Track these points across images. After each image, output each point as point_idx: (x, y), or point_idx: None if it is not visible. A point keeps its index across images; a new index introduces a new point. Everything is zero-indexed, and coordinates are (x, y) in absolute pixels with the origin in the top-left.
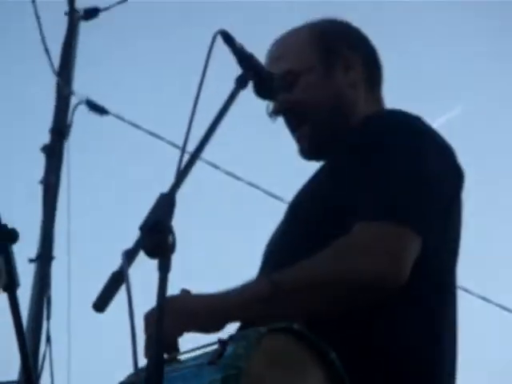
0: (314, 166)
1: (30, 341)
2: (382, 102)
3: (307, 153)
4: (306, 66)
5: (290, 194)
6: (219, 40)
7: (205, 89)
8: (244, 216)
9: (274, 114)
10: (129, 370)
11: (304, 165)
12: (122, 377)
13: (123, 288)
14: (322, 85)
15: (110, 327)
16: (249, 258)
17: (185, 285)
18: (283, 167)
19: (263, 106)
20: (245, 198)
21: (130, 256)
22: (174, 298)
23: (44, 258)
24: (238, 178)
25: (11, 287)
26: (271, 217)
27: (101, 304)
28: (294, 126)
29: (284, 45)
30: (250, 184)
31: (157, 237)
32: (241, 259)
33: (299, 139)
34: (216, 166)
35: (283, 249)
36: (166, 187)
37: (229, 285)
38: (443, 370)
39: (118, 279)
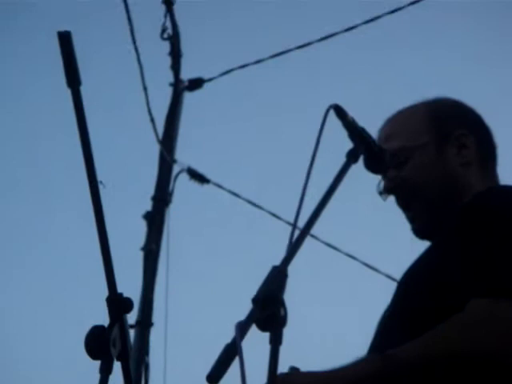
0: (423, 245)
1: None
2: (497, 179)
3: (420, 233)
4: (418, 144)
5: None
6: (331, 114)
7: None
8: (358, 294)
9: (385, 191)
10: None
11: (416, 244)
12: None
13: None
14: (434, 163)
15: None
16: (360, 336)
17: (294, 361)
18: (395, 247)
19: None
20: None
21: (242, 328)
22: (286, 375)
23: (143, 325)
24: (354, 258)
25: (125, 356)
26: (384, 295)
27: (215, 376)
28: (404, 204)
29: (397, 122)
30: (366, 264)
31: (269, 310)
32: (352, 337)
33: (412, 219)
34: (335, 248)
35: (393, 326)
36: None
37: (339, 362)
38: None
39: (232, 351)
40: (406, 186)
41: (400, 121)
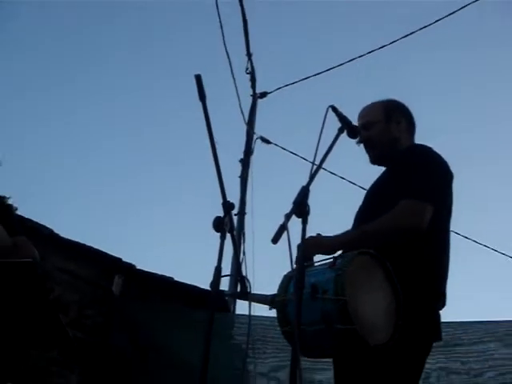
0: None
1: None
2: (414, 139)
3: (373, 162)
4: (376, 120)
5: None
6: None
7: (323, 135)
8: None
9: (359, 142)
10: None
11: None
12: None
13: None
14: (383, 130)
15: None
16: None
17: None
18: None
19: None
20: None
21: (288, 216)
22: (313, 237)
23: (241, 214)
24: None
25: (232, 231)
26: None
27: (275, 239)
28: (367, 149)
29: (367, 109)
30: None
31: (300, 207)
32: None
33: (370, 156)
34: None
35: (364, 214)
36: (299, 181)
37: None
38: (443, 273)
39: (283, 227)
40: (369, 140)
41: (369, 108)
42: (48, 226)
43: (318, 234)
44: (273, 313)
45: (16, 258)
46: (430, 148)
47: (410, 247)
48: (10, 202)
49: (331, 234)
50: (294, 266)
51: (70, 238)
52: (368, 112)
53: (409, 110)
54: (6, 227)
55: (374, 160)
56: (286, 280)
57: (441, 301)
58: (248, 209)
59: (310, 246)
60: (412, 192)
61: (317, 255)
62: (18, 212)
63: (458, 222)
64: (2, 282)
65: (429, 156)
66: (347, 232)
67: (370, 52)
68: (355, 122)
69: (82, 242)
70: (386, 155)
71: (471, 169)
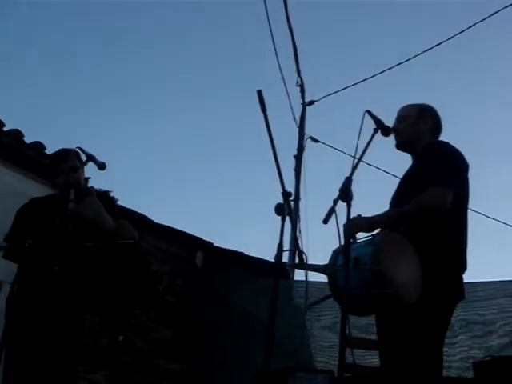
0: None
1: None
2: (437, 139)
3: (397, 147)
4: (409, 115)
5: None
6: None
7: (361, 134)
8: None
9: (392, 131)
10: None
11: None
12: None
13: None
14: (413, 125)
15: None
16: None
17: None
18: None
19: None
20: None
21: (335, 201)
22: (355, 217)
23: (296, 199)
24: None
25: (290, 213)
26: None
27: (325, 221)
28: (395, 137)
29: (406, 107)
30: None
31: (345, 193)
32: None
33: (396, 142)
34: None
35: (397, 198)
36: (343, 173)
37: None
38: (464, 245)
39: (332, 211)
40: (398, 130)
41: (407, 106)
42: (143, 213)
43: (359, 215)
44: (325, 279)
45: (121, 238)
46: (448, 143)
47: (436, 225)
48: (112, 194)
49: (371, 215)
50: (342, 242)
51: (160, 222)
52: (406, 108)
53: (438, 115)
54: (111, 214)
55: (398, 146)
56: (335, 254)
57: (463, 266)
58: (301, 195)
59: (353, 225)
60: (437, 179)
61: (359, 233)
62: (120, 203)
63: (479, 202)
64: (112, 259)
65: (449, 150)
66: (385, 213)
67: (397, 64)
68: (387, 123)
69: (170, 225)
70: (407, 144)
71: None
